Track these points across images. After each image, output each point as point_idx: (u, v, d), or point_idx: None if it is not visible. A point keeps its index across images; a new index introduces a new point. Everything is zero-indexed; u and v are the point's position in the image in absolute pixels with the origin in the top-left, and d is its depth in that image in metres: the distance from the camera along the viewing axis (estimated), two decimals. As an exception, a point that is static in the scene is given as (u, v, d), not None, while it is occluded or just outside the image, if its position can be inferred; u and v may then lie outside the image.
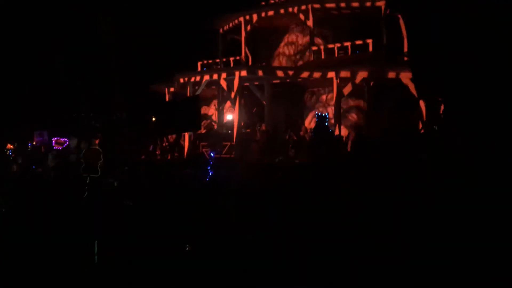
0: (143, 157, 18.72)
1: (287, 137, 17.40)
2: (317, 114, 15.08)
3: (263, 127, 17.95)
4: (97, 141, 16.39)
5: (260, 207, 7.66)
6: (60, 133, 18.62)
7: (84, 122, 22.51)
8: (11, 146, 19.47)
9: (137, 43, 26.27)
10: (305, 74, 18.40)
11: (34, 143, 18.79)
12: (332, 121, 17.78)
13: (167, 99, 22.30)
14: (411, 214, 7.23)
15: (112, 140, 19.16)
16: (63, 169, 14.93)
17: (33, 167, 15.24)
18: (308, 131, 17.31)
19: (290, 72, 18.82)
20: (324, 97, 20.00)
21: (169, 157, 19.25)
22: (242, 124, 18.42)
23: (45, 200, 9.39)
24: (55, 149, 18.03)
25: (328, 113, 16.52)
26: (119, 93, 25.13)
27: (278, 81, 19.84)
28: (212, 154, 14.10)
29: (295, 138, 17.15)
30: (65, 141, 18.50)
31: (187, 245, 6.19)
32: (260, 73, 18.65)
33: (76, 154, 15.31)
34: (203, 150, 17.29)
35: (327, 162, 13.38)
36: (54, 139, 18.11)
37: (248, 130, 19.14)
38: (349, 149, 15.92)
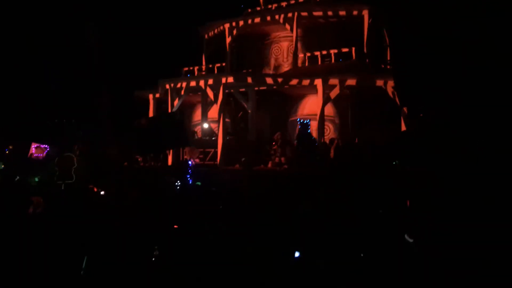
0: (126, 164, 18.47)
1: (269, 147, 17.38)
2: (300, 121, 15.12)
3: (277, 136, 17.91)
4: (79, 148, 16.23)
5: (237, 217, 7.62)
6: (42, 140, 18.23)
7: (66, 129, 22.18)
8: None
9: (122, 49, 26.11)
10: (289, 82, 18.44)
11: (33, 155, 18.07)
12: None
13: (151, 105, 22.15)
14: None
15: (96, 148, 18.93)
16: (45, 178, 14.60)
17: (17, 177, 14.81)
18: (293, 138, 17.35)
19: (275, 79, 18.86)
20: (308, 104, 20.03)
21: (152, 164, 19.07)
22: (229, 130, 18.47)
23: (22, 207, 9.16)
24: (35, 156, 17.62)
25: (309, 120, 16.58)
26: (104, 99, 24.87)
27: (263, 88, 19.84)
28: (189, 163, 14.01)
29: (274, 147, 17.12)
30: (46, 148, 18.08)
31: (156, 249, 6.22)
32: (245, 80, 18.65)
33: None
34: (185, 157, 17.18)
35: (311, 170, 13.40)
36: (34, 146, 17.69)
37: (232, 137, 19.08)
38: (332, 156, 15.96)
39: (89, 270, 6.08)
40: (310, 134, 15.21)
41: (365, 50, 18.97)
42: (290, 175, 14.30)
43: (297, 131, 16.94)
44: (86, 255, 6.16)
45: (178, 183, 12.22)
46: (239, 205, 8.51)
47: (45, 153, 17.23)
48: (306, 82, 17.96)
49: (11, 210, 7.75)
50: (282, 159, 16.60)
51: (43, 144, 17.37)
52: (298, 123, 14.90)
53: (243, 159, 15.45)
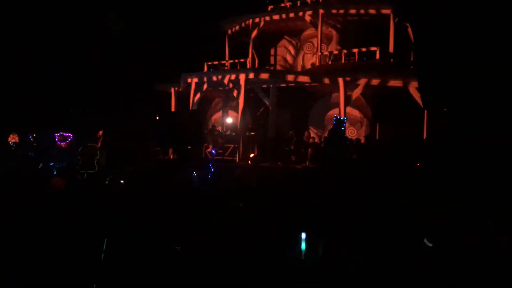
0: (145, 156, 18.66)
1: (291, 145, 17.33)
2: (336, 117, 14.69)
3: (291, 132, 17.84)
4: (99, 138, 16.45)
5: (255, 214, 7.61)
6: (63, 128, 18.52)
7: (88, 119, 22.48)
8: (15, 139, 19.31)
9: (144, 42, 26.29)
10: (312, 79, 18.35)
11: (59, 143, 18.39)
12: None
13: (172, 99, 22.31)
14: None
15: (116, 138, 19.12)
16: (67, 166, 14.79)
17: (41, 164, 15.05)
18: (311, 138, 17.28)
19: (297, 77, 18.79)
20: (329, 102, 19.91)
21: (171, 157, 19.24)
22: (250, 126, 18.50)
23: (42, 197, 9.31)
24: (58, 144, 17.91)
25: (345, 118, 16.08)
26: (125, 92, 25.13)
27: (284, 84, 19.79)
28: (213, 152, 14.05)
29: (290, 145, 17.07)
30: (69, 136, 18.37)
31: (177, 247, 6.20)
32: (267, 76, 18.62)
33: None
34: (207, 150, 17.28)
35: (334, 167, 13.31)
36: (57, 134, 17.98)
37: (252, 133, 19.10)
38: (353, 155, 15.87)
39: (108, 256, 6.12)
40: (343, 131, 14.53)
41: (390, 50, 18.76)
42: (303, 173, 14.26)
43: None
44: (105, 240, 6.18)
45: (194, 174, 12.29)
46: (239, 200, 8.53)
47: (68, 141, 17.50)
48: (328, 80, 17.86)
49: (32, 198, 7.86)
50: (293, 158, 16.59)
51: (66, 132, 17.64)
52: (334, 118, 14.39)
53: (251, 155, 15.43)
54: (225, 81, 18.76)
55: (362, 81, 17.12)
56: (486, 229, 6.67)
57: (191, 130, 12.41)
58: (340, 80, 17.36)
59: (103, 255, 6.10)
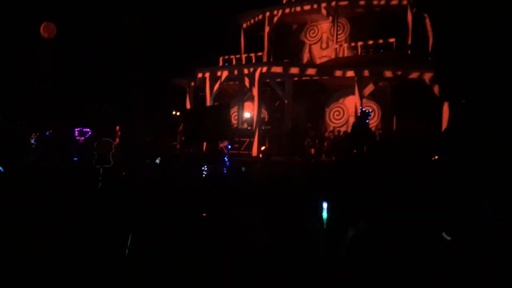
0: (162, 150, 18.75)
1: (308, 140, 17.22)
2: (361, 109, 14.39)
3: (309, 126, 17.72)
4: (117, 134, 16.60)
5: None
6: (81, 123, 18.77)
7: (104, 114, 22.71)
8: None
9: (160, 37, 26.41)
10: (328, 72, 18.18)
11: (80, 139, 18.68)
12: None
13: (188, 93, 22.34)
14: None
15: (133, 133, 19.27)
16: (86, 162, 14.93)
17: (58, 160, 15.22)
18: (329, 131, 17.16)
19: (313, 70, 18.63)
20: (345, 95, 19.72)
21: (190, 151, 19.28)
22: (266, 119, 18.47)
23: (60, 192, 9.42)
24: (77, 139, 18.14)
25: (371, 111, 15.59)
26: (141, 87, 25.29)
27: (300, 78, 19.66)
28: (229, 147, 14.05)
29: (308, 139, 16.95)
30: (88, 132, 18.58)
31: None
32: (282, 69, 18.51)
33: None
34: (221, 145, 17.28)
35: (355, 160, 13.16)
36: (77, 130, 18.22)
37: (268, 127, 19.03)
38: (364, 150, 15.69)
39: (132, 251, 6.12)
40: (367, 124, 14.14)
41: (409, 42, 18.50)
42: (318, 167, 14.14)
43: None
44: (130, 235, 6.19)
45: (205, 168, 12.27)
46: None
47: (87, 136, 17.73)
48: (345, 72, 17.67)
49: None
50: (312, 150, 16.47)
51: (85, 128, 17.88)
52: (360, 111, 14.08)
53: (262, 148, 15.32)
54: (241, 75, 18.71)
55: (379, 73, 16.90)
56: (485, 211, 6.57)
57: (222, 126, 12.26)
58: (357, 72, 17.16)
59: (127, 250, 6.11)
